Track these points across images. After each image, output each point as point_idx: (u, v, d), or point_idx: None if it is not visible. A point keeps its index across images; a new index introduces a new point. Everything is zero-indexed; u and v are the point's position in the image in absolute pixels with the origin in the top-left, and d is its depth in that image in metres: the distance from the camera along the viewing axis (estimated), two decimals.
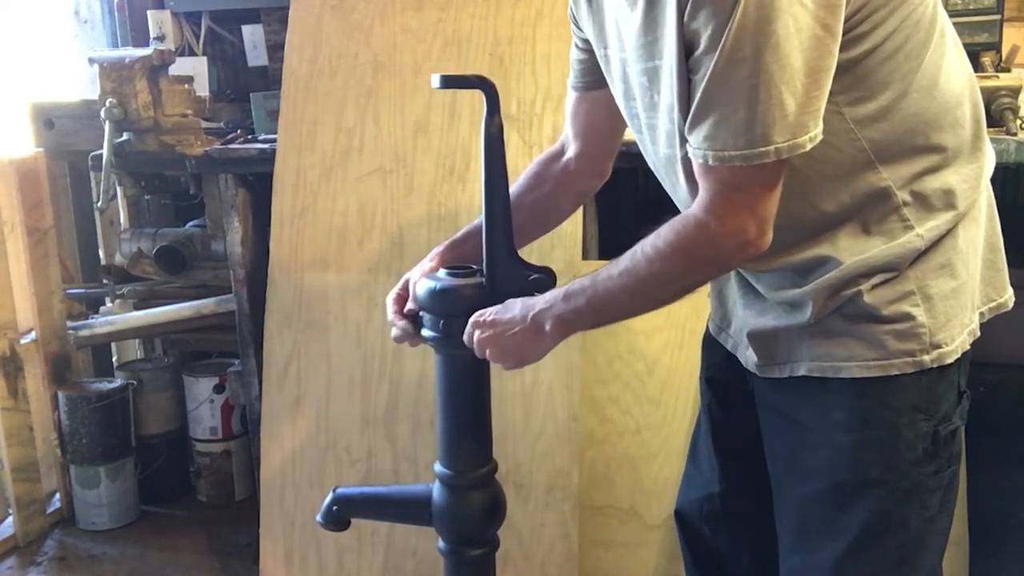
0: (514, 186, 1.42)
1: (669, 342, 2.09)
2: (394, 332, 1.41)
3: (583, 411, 2.10)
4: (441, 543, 1.46)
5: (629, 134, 1.39)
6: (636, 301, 1.19)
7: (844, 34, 1.03)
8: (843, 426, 1.16)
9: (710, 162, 1.05)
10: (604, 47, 1.26)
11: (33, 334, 2.71)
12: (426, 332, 1.37)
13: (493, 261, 1.33)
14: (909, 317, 1.13)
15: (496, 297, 1.30)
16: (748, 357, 1.25)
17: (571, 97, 1.44)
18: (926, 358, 1.13)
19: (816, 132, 1.03)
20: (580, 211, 2.10)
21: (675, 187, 1.23)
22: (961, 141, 1.17)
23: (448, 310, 1.33)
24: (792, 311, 1.18)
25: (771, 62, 0.97)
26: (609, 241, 2.52)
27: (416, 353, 2.14)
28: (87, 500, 2.75)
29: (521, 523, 2.06)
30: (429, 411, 2.11)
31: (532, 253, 1.99)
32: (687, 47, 1.04)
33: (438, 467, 1.42)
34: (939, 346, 1.14)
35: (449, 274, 1.37)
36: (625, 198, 2.69)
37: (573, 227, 2.09)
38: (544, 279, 1.33)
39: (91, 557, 2.62)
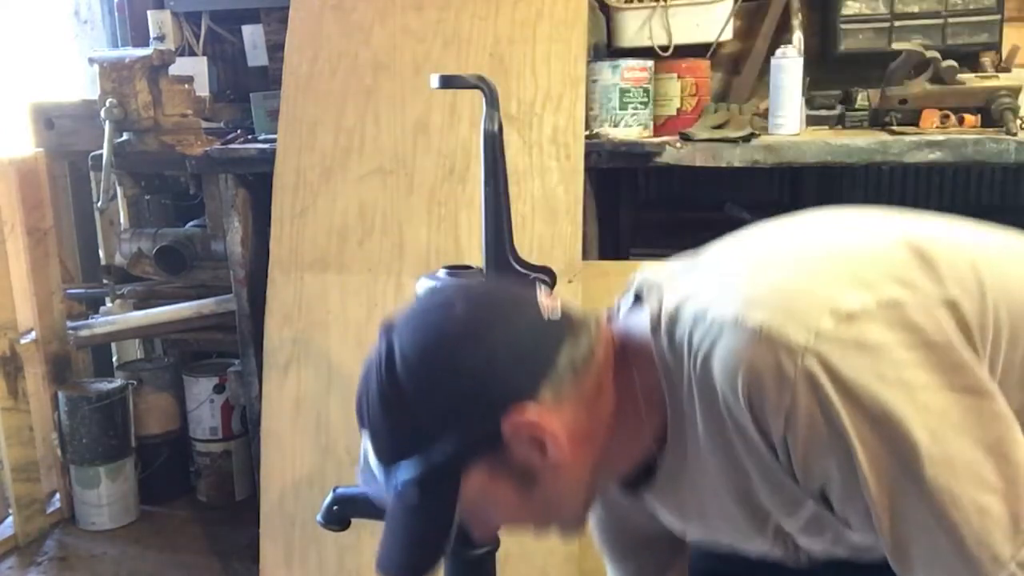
0: None
1: None
2: None
3: None
4: None
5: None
6: None
7: None
8: None
9: None
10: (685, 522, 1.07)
11: (33, 334, 2.71)
12: None
13: (493, 261, 1.33)
14: None
15: None
16: None
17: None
18: None
19: None
20: (580, 211, 2.10)
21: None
22: None
23: None
24: None
25: (935, 475, 0.77)
26: (609, 241, 2.52)
27: None
28: (87, 500, 2.75)
29: None
30: None
31: (532, 253, 1.99)
32: (821, 494, 0.85)
33: None
34: None
35: (449, 274, 1.37)
36: (625, 198, 2.69)
37: (573, 227, 2.09)
38: (544, 279, 1.33)
39: (91, 557, 2.62)
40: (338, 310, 2.21)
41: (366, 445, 0.93)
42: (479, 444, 0.88)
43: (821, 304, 0.81)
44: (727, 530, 0.99)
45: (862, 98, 2.25)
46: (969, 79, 2.14)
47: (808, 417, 0.79)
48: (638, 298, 0.98)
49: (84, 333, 2.74)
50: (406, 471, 0.89)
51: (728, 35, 2.36)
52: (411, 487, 0.89)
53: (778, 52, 2.15)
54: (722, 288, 0.88)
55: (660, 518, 1.07)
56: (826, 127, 2.26)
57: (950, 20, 2.27)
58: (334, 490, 1.50)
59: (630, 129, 2.19)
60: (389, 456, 0.90)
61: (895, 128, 2.11)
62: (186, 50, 3.05)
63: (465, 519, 0.93)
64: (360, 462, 0.97)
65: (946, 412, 0.78)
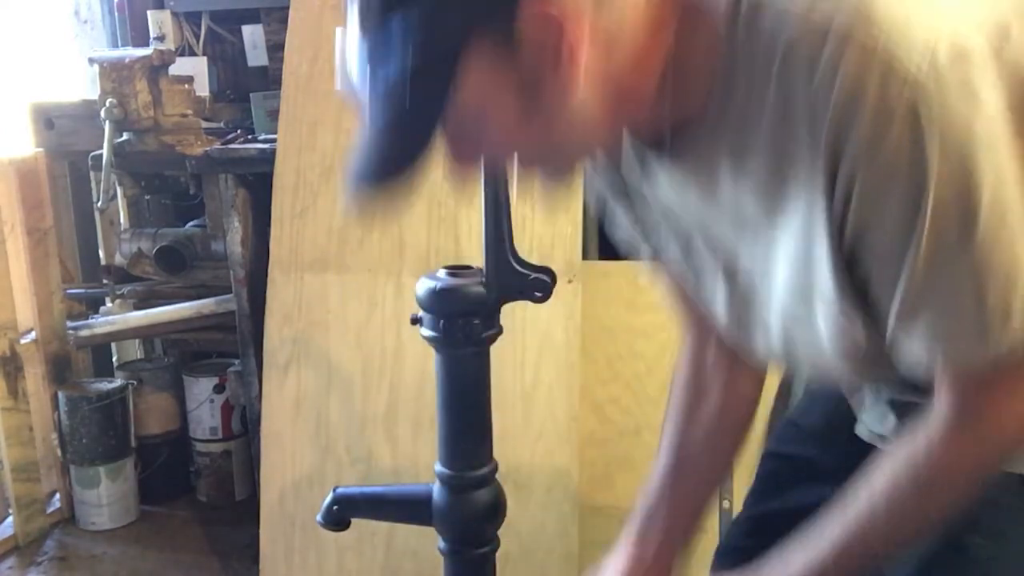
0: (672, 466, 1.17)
1: (669, 342, 2.09)
2: None
3: (583, 411, 2.09)
4: (441, 543, 1.46)
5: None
6: (886, 551, 0.93)
7: None
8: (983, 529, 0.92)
9: (942, 373, 0.83)
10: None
11: (33, 334, 2.71)
12: (426, 332, 1.37)
13: (493, 261, 1.33)
14: None
15: (496, 297, 1.29)
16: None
17: (666, 281, 1.15)
18: None
19: None
20: (580, 211, 2.10)
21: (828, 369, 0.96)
22: None
23: (448, 310, 1.33)
24: None
25: (985, 227, 0.75)
26: (609, 241, 2.51)
27: (416, 353, 2.14)
28: (87, 500, 2.75)
29: (521, 523, 2.06)
30: (429, 411, 2.10)
31: (532, 253, 1.99)
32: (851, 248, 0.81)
33: (438, 467, 1.42)
34: None
35: (449, 274, 1.36)
36: None
37: (573, 227, 2.08)
38: (544, 279, 1.32)
39: (91, 557, 2.62)
40: (338, 310, 2.21)
41: (351, 17, 0.77)
42: (488, 10, 0.75)
43: (942, 25, 0.74)
44: (720, 228, 0.92)
45: None
46: None
47: (895, 148, 0.73)
48: None
49: (84, 333, 2.74)
50: (399, 32, 0.73)
51: None
52: (406, 49, 0.73)
53: None
54: None
55: (651, 196, 0.98)
56: None
57: None
58: (334, 490, 1.50)
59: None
60: (379, 7, 0.74)
61: None
62: (186, 50, 3.06)
63: (452, 126, 0.78)
64: (336, 59, 0.81)
65: (1012, 173, 0.75)
